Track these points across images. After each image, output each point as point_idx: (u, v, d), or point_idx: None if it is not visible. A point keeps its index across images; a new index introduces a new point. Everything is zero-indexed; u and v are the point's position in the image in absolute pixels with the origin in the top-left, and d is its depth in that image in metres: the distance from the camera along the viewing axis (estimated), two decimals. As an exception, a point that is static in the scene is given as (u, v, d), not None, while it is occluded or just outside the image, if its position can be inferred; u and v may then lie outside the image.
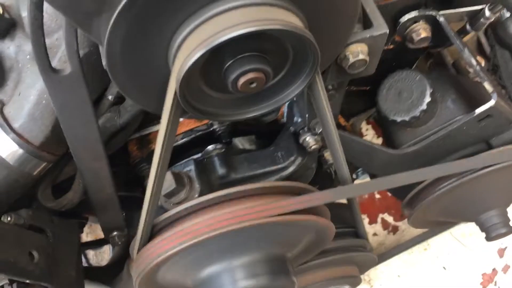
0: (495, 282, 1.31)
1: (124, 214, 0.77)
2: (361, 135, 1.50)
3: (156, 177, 0.49)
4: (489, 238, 0.79)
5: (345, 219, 0.87)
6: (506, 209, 0.80)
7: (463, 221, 0.87)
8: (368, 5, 0.49)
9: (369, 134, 1.39)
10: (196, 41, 0.37)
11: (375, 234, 1.54)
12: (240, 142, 0.76)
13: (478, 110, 0.68)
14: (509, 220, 0.79)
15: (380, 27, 0.48)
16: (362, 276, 1.52)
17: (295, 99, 0.73)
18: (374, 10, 0.49)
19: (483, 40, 1.02)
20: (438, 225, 0.94)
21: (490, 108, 0.67)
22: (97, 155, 0.58)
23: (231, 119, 0.47)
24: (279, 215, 0.58)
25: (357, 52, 0.48)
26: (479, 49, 1.09)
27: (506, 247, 1.32)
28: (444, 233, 1.42)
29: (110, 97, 0.63)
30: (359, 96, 0.82)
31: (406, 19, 0.64)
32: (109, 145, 0.67)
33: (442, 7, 0.68)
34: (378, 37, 0.48)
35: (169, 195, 0.64)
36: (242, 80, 0.39)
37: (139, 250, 0.61)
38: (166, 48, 0.39)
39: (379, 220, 1.52)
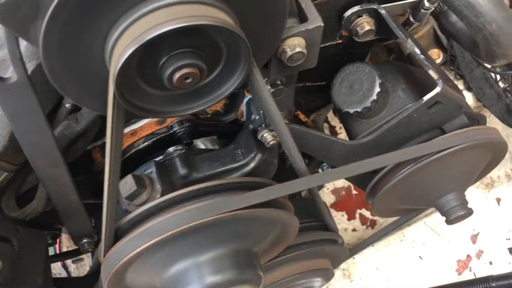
0: (470, 268, 1.35)
1: (93, 221, 0.78)
2: (335, 132, 1.52)
3: (110, 174, 0.50)
4: (449, 222, 0.81)
5: (316, 213, 0.88)
6: (464, 192, 0.83)
7: (424, 207, 0.89)
8: (304, 0, 0.52)
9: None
10: (128, 39, 0.39)
11: (354, 230, 1.56)
12: (202, 143, 0.78)
13: (426, 97, 0.71)
14: (467, 202, 0.82)
15: (315, 21, 0.51)
16: (342, 271, 1.55)
17: (246, 96, 0.76)
18: (309, 5, 0.52)
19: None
20: (402, 212, 0.96)
21: (437, 94, 0.70)
22: (54, 162, 0.59)
23: (172, 115, 0.48)
24: (237, 209, 0.60)
25: (294, 45, 0.50)
26: (437, 41, 1.12)
27: (478, 233, 1.36)
28: (418, 222, 1.46)
29: (67, 105, 0.64)
30: (317, 91, 0.84)
31: (349, 13, 0.67)
32: (69, 152, 0.68)
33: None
34: (313, 30, 0.51)
35: (131, 197, 0.66)
36: (177, 76, 0.41)
37: (105, 254, 0.62)
38: (101, 48, 0.41)
39: (357, 215, 1.55)
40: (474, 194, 1.36)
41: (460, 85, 1.22)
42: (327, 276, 1.02)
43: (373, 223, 1.54)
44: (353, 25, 0.68)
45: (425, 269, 1.39)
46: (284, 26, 0.47)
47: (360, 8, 0.66)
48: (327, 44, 0.72)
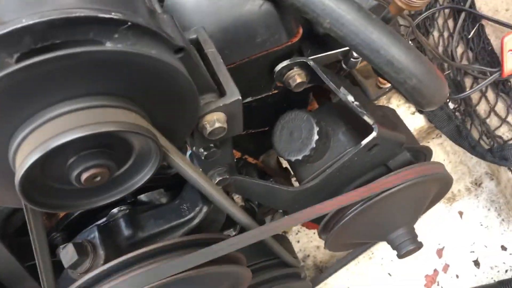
0: (438, 282, 1.36)
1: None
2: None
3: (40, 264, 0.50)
4: (400, 256, 0.83)
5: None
6: (413, 225, 0.84)
7: (375, 241, 0.90)
8: (221, 72, 0.52)
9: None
10: (30, 147, 0.38)
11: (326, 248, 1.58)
12: (148, 198, 0.78)
13: (364, 142, 0.72)
14: (416, 236, 0.83)
15: (233, 95, 0.51)
16: (315, 293, 1.55)
17: (189, 150, 0.76)
18: (227, 78, 0.52)
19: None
20: (356, 246, 0.98)
21: (374, 138, 0.71)
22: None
23: (82, 208, 0.48)
24: (184, 271, 0.60)
25: (213, 121, 0.50)
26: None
27: (443, 247, 1.38)
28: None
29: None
30: (262, 135, 0.85)
31: (279, 68, 0.67)
32: (9, 224, 0.67)
33: (319, 49, 0.72)
34: (232, 104, 0.51)
35: (73, 266, 0.65)
36: (84, 176, 0.41)
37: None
38: (5, 152, 0.40)
39: (328, 233, 1.56)
40: (437, 208, 1.38)
41: (412, 107, 1.24)
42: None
43: (344, 240, 1.55)
44: (285, 78, 0.69)
45: (394, 285, 1.40)
46: (198, 111, 0.48)
47: (289, 63, 0.67)
48: (263, 96, 0.73)
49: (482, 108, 1.07)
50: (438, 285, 1.37)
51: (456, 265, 1.36)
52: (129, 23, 0.39)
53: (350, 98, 0.70)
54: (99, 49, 0.37)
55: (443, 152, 1.34)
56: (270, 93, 0.72)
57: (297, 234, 1.54)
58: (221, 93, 0.52)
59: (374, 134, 0.70)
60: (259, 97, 0.72)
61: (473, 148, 1.06)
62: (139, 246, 0.71)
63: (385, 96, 1.24)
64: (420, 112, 1.17)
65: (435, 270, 1.38)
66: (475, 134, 1.08)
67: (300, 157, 0.73)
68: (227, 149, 0.65)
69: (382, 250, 1.43)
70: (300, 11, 0.57)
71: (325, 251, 1.57)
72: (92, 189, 0.46)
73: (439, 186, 0.84)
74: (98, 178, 0.41)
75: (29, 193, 0.41)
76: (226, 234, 0.80)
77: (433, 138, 1.33)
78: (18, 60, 0.37)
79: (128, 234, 0.71)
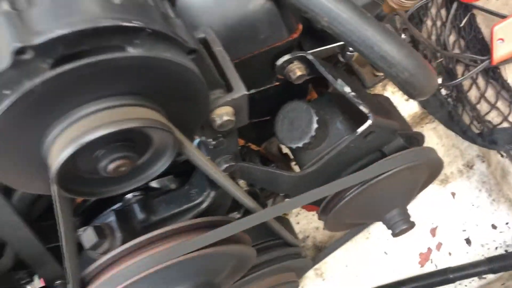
0: (431, 260, 1.43)
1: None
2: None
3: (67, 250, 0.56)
4: (394, 234, 0.89)
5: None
6: (406, 206, 0.90)
7: (372, 221, 0.96)
8: (228, 69, 0.57)
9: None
10: (66, 141, 0.44)
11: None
12: (159, 184, 0.83)
13: (359, 130, 0.77)
14: (409, 216, 0.89)
15: (239, 90, 0.56)
16: (314, 271, 1.62)
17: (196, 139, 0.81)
18: (234, 74, 0.57)
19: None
20: (354, 226, 1.03)
21: (369, 126, 0.76)
22: (16, 226, 0.65)
23: (106, 195, 0.54)
24: (194, 250, 0.66)
25: (222, 114, 0.55)
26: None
27: (437, 226, 1.44)
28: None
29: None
30: (264, 124, 0.89)
31: (280, 62, 0.72)
32: (35, 208, 0.73)
33: (317, 43, 0.76)
34: (238, 99, 0.56)
35: (93, 247, 0.71)
36: (111, 166, 0.46)
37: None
38: (37, 147, 0.46)
39: (327, 214, 1.62)
40: (431, 190, 1.44)
41: (407, 93, 1.29)
42: (293, 287, 1.09)
43: (342, 221, 1.62)
44: (286, 71, 0.73)
45: (390, 263, 1.47)
46: (208, 108, 0.53)
47: (290, 57, 0.72)
48: (266, 87, 0.77)
49: (473, 95, 1.12)
50: (431, 262, 1.43)
51: (449, 243, 1.43)
52: (148, 30, 0.44)
53: (347, 89, 0.75)
54: (122, 55, 0.42)
55: (436, 136, 1.40)
56: (272, 85, 0.76)
57: (297, 216, 1.60)
58: (229, 88, 0.57)
59: (369, 122, 0.75)
60: (261, 89, 0.77)
61: (464, 132, 1.11)
62: (152, 228, 0.76)
63: (380, 84, 1.29)
64: (414, 98, 1.23)
65: (429, 248, 1.44)
66: (466, 119, 1.14)
67: (301, 145, 0.78)
68: (233, 139, 0.71)
69: (378, 230, 1.50)
70: (299, 10, 0.61)
71: (324, 232, 1.63)
72: (116, 178, 0.51)
73: (430, 170, 0.90)
74: (123, 168, 0.47)
75: (62, 181, 0.46)
76: (232, 217, 0.86)
77: (426, 123, 1.39)
78: (53, 66, 0.42)
79: (142, 217, 0.76)
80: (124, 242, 0.74)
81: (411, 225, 0.88)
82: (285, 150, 1.39)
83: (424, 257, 1.44)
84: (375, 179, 0.81)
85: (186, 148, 0.52)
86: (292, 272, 1.08)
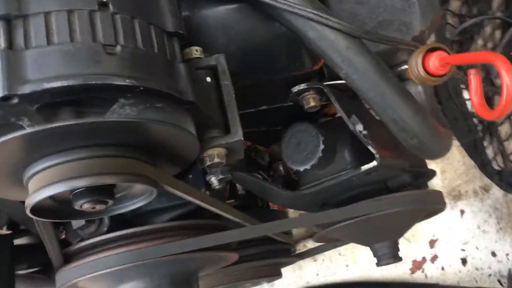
0: (423, 269, 1.43)
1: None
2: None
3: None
4: (378, 264, 0.89)
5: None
6: (397, 240, 0.89)
7: (360, 244, 0.96)
8: (230, 109, 0.55)
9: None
10: (44, 181, 0.45)
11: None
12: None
13: (364, 167, 0.75)
14: (398, 250, 0.89)
15: (236, 135, 0.54)
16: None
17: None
18: (234, 117, 0.55)
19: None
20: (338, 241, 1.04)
21: (374, 167, 0.74)
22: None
23: (84, 218, 0.55)
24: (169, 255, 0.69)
25: (213, 155, 0.55)
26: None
27: (437, 239, 1.43)
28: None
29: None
30: (274, 131, 0.88)
31: (296, 90, 0.69)
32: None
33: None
34: (234, 143, 0.55)
35: (80, 229, 0.74)
36: (85, 206, 0.47)
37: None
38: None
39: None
40: (441, 202, 1.41)
41: (437, 109, 1.23)
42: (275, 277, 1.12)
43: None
44: (300, 98, 0.71)
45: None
46: (198, 151, 0.53)
47: (306, 86, 0.69)
48: (278, 105, 0.75)
49: (504, 129, 1.06)
50: (422, 272, 1.44)
51: (444, 258, 1.42)
52: (141, 88, 0.43)
53: (359, 127, 0.72)
54: (101, 120, 0.42)
55: (459, 153, 1.35)
56: (285, 104, 0.74)
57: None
58: (226, 128, 0.56)
59: (374, 163, 0.73)
60: (274, 106, 0.75)
61: (483, 166, 1.07)
62: (141, 218, 0.79)
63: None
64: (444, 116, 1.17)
65: (424, 258, 1.44)
66: (490, 152, 1.09)
67: (301, 169, 0.77)
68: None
69: (378, 228, 1.49)
70: (319, 56, 0.58)
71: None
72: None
73: (431, 211, 0.88)
74: (99, 208, 0.48)
75: (38, 213, 0.48)
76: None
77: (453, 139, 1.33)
78: (39, 109, 0.42)
79: (132, 207, 0.79)
80: (110, 227, 0.77)
81: (398, 260, 0.88)
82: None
83: (417, 266, 1.44)
84: (372, 215, 0.80)
85: (169, 189, 0.53)
86: (278, 265, 1.11)
